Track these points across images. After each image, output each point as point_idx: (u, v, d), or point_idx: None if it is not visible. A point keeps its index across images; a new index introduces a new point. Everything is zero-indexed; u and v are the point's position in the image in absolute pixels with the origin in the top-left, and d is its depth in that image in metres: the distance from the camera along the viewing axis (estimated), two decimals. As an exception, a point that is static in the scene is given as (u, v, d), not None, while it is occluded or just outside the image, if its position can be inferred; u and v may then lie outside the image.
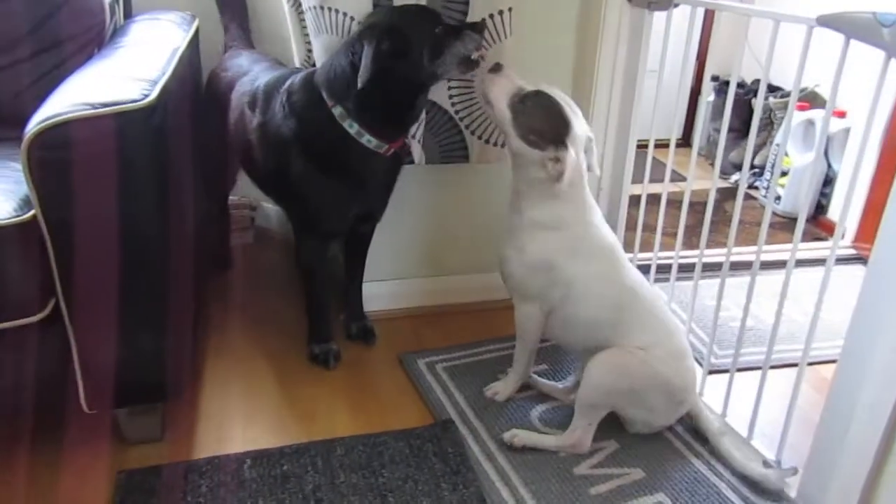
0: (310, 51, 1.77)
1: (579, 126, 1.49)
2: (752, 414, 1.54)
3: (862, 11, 1.11)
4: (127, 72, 1.37)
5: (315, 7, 1.63)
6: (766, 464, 1.48)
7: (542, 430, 1.61)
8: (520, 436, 1.55)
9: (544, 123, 1.47)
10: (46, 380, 1.37)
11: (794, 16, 1.32)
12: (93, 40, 1.78)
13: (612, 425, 1.59)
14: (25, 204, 1.23)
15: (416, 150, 1.81)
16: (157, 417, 1.52)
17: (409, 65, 1.50)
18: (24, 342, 1.29)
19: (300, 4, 1.71)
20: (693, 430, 1.61)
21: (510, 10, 1.70)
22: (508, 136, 1.50)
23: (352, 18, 1.60)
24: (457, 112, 1.79)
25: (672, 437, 1.60)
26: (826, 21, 1.20)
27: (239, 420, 1.62)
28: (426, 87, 1.59)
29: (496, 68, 1.53)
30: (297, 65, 1.83)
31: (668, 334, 1.55)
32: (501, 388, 1.71)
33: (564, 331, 1.61)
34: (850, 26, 1.15)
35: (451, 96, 1.77)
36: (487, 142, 1.83)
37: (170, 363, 1.42)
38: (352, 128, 1.57)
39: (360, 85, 1.46)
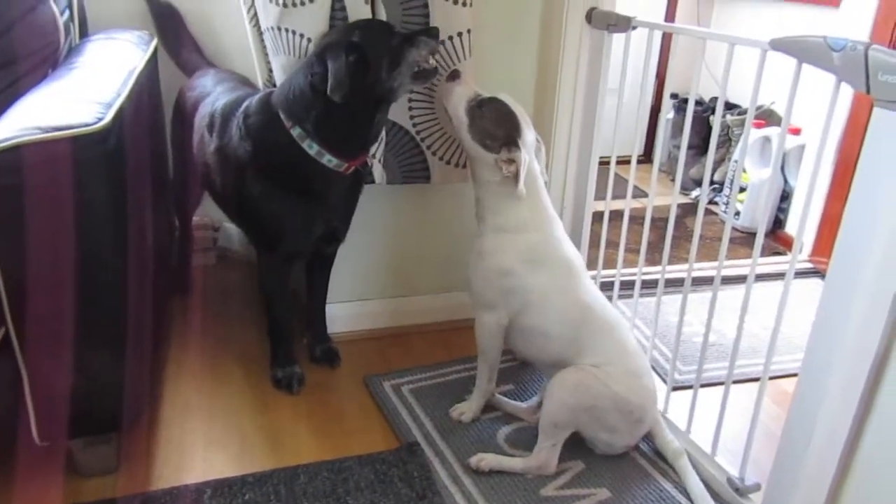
0: (271, 70, 1.75)
1: (529, 130, 1.56)
2: (716, 429, 1.55)
3: (813, 36, 1.14)
4: (80, 94, 1.33)
5: (273, 28, 1.61)
6: (729, 481, 1.50)
7: (509, 452, 1.60)
8: (486, 459, 1.54)
9: (497, 127, 1.52)
10: (-4, 411, 1.32)
11: (748, 39, 1.34)
12: (46, 60, 1.73)
13: (578, 446, 1.59)
14: (-28, 230, 1.18)
15: (378, 170, 1.80)
16: (113, 448, 1.47)
17: (370, 80, 1.50)
18: (-29, 373, 1.24)
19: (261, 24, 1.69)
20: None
21: (469, 31, 1.70)
22: (464, 141, 1.56)
23: (308, 40, 1.59)
24: (418, 133, 1.79)
25: (638, 456, 1.61)
26: (779, 45, 1.23)
27: (199, 448, 1.58)
28: (385, 102, 1.58)
29: (453, 76, 1.60)
30: (260, 84, 1.81)
31: (626, 353, 1.56)
32: (466, 409, 1.70)
33: (524, 342, 1.61)
34: (801, 51, 1.18)
35: (412, 116, 1.77)
36: (448, 163, 1.83)
37: (126, 392, 1.37)
38: (311, 148, 1.55)
39: (338, 99, 1.45)
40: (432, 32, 1.57)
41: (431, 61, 1.60)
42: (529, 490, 1.49)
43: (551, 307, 1.55)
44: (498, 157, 1.51)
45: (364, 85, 1.50)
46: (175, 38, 2.12)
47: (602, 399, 1.50)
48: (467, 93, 1.56)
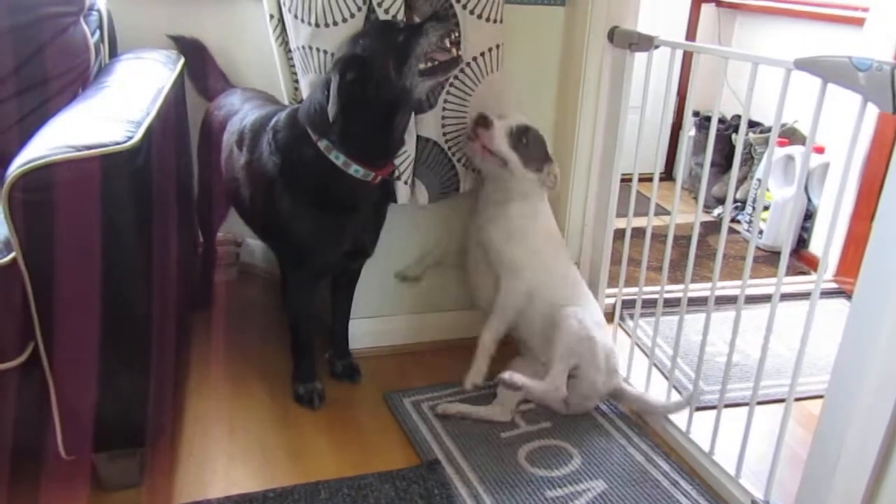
0: (297, 88, 1.78)
1: None
2: (740, 451, 1.53)
3: (838, 56, 1.13)
4: (111, 112, 1.36)
5: (303, 47, 1.64)
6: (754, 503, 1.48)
7: (530, 470, 1.60)
8: (516, 375, 1.66)
9: (540, 152, 1.75)
10: (23, 425, 1.34)
11: (771, 59, 1.34)
12: (77, 79, 1.78)
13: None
14: (5, 247, 1.21)
15: (403, 192, 1.80)
16: (137, 462, 1.48)
17: (379, 85, 1.49)
18: (0, 387, 1.26)
19: (288, 43, 1.72)
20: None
21: (499, 46, 1.72)
22: (516, 172, 1.72)
23: (340, 59, 1.61)
24: (450, 148, 1.80)
25: (632, 449, 1.60)
26: (803, 65, 1.22)
27: (221, 463, 1.59)
28: (403, 104, 1.55)
29: (485, 123, 1.69)
30: (286, 101, 1.84)
31: (594, 305, 1.86)
32: (472, 374, 1.76)
33: (532, 302, 1.78)
34: (826, 71, 1.17)
35: (444, 133, 1.77)
36: (475, 170, 1.84)
37: (150, 406, 1.39)
38: (338, 159, 1.56)
39: (330, 119, 1.47)
40: (440, 15, 1.53)
41: (454, 51, 1.55)
42: (550, 510, 1.49)
43: (560, 272, 1.82)
44: (541, 175, 1.75)
45: (373, 91, 1.49)
46: (202, 70, 2.15)
47: (594, 331, 1.73)
48: (504, 129, 1.69)
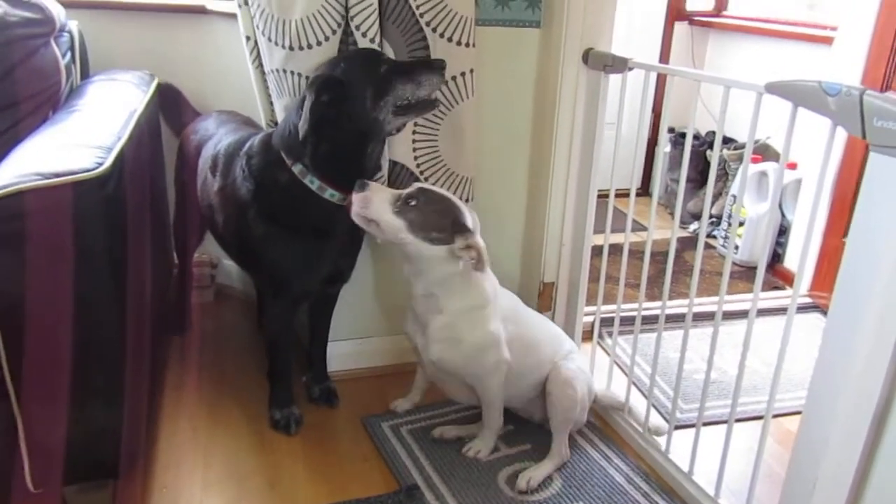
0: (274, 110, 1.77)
1: (467, 210, 1.51)
2: (719, 470, 1.53)
3: (808, 81, 1.15)
4: (80, 138, 1.34)
5: (277, 70, 1.63)
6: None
7: (510, 494, 1.59)
8: (534, 477, 1.62)
9: (441, 216, 1.46)
10: (-11, 458, 1.30)
11: (743, 82, 1.36)
12: (48, 102, 1.75)
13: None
14: (-29, 277, 1.18)
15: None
16: (108, 493, 1.44)
17: (353, 111, 1.48)
18: (-34, 421, 1.22)
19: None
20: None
21: (472, 71, 1.72)
22: (406, 244, 1.47)
23: (312, 81, 1.60)
24: (422, 172, 1.79)
25: (615, 474, 1.59)
26: (774, 89, 1.24)
27: (196, 492, 1.56)
28: (374, 135, 1.54)
29: (361, 186, 1.48)
30: (263, 124, 1.83)
31: (564, 341, 1.77)
32: (482, 446, 1.71)
33: (518, 380, 1.67)
34: (797, 95, 1.19)
35: (416, 157, 1.77)
36: None
37: (122, 437, 1.36)
38: (313, 183, 1.55)
39: (300, 136, 1.45)
40: (434, 65, 1.52)
41: (433, 94, 1.56)
42: (531, 534, 1.47)
43: (536, 340, 1.69)
44: (453, 247, 1.46)
45: (346, 116, 1.48)
46: (177, 112, 2.13)
47: (584, 384, 1.70)
48: (385, 195, 1.48)
